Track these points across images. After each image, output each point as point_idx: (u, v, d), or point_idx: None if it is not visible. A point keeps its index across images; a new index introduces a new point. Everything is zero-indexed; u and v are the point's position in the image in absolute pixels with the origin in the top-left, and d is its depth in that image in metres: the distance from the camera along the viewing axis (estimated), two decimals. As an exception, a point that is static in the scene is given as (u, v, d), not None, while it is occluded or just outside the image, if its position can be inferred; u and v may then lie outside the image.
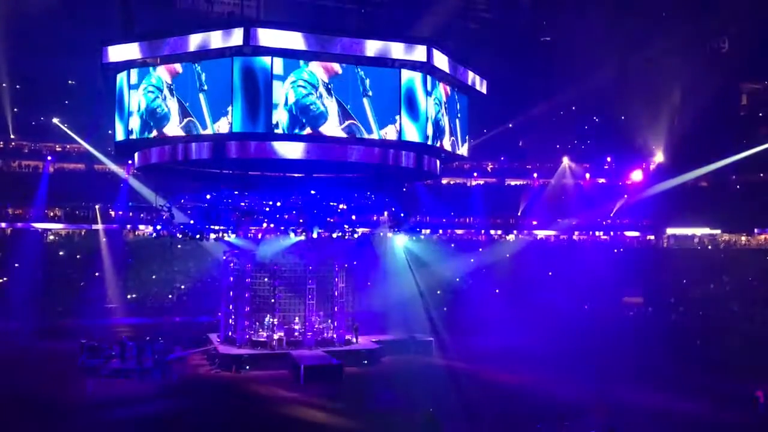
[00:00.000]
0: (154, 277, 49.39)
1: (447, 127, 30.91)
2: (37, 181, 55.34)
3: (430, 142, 29.23)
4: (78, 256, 52.49)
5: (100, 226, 54.86)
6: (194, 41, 26.74)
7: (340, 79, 27.22)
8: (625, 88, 58.12)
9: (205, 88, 26.91)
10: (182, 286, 48.21)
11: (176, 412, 24.77)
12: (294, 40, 26.49)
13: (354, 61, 27.57)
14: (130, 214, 54.82)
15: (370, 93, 27.34)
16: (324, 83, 27.02)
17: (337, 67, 27.22)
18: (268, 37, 26.28)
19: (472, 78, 32.10)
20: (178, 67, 27.59)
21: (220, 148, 28.01)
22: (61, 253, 53.39)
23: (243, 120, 26.58)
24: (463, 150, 33.46)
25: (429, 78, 28.77)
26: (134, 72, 28.85)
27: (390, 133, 27.87)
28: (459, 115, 32.55)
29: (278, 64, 26.75)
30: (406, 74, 27.90)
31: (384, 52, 27.49)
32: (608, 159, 65.33)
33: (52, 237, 55.92)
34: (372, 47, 27.29)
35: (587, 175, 65.43)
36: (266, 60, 26.51)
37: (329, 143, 27.95)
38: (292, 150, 28.00)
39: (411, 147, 29.24)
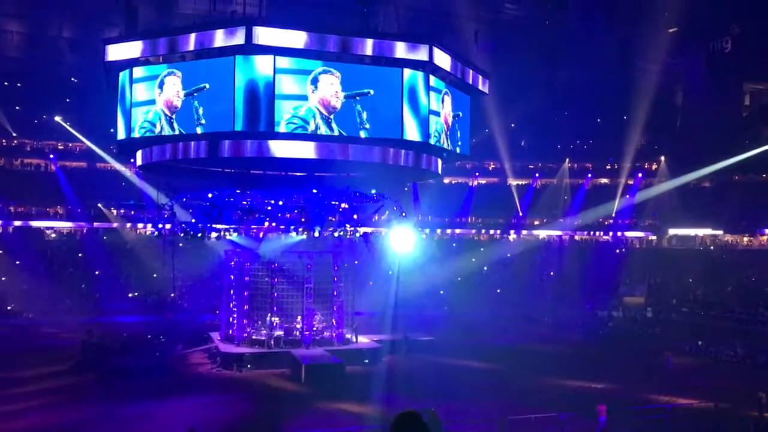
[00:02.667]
0: (155, 275, 49.43)
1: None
2: (40, 179, 55.68)
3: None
4: (80, 254, 52.65)
5: (102, 224, 55.04)
6: (196, 40, 26.71)
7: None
8: (628, 88, 58.03)
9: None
10: (184, 284, 48.22)
11: (178, 411, 24.80)
12: (296, 38, 26.44)
13: (357, 60, 27.57)
14: (132, 212, 54.96)
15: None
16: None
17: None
18: (269, 36, 26.23)
19: (474, 77, 32.01)
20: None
21: (219, 147, 28.03)
22: (63, 250, 53.52)
23: (244, 121, 26.55)
24: (464, 149, 33.39)
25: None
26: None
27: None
28: (459, 115, 32.49)
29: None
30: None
31: (385, 50, 27.46)
32: (610, 159, 65.25)
33: (53, 235, 56.05)
34: (375, 47, 27.26)
35: (589, 175, 65.44)
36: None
37: (330, 142, 27.92)
38: (298, 150, 27.98)
39: (412, 146, 29.22)
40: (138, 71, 28.45)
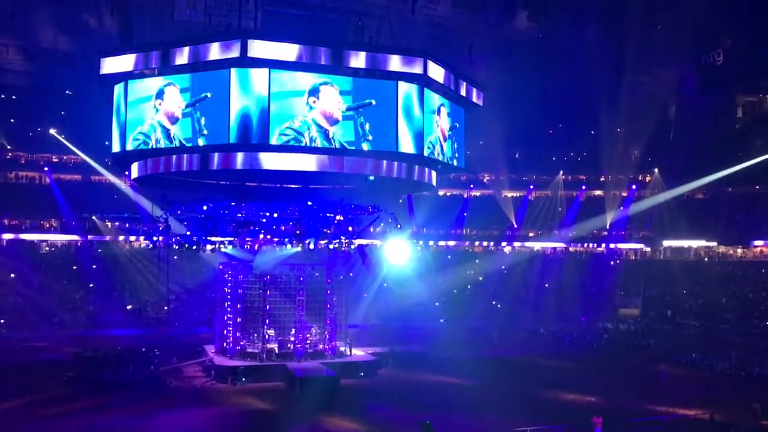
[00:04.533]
0: (150, 288, 49.26)
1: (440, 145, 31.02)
2: (34, 192, 55.53)
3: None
4: (74, 267, 52.43)
5: (96, 237, 54.87)
6: (190, 53, 26.80)
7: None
8: (621, 101, 58.37)
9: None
10: (178, 297, 48.03)
11: (172, 424, 24.65)
12: (289, 51, 26.58)
13: (352, 73, 27.75)
14: (127, 225, 54.82)
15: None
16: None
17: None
18: (263, 48, 26.37)
19: (468, 90, 32.16)
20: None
21: (209, 160, 28.19)
22: (58, 263, 53.30)
23: (237, 134, 26.63)
24: (459, 162, 33.51)
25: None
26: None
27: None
28: (456, 126, 32.63)
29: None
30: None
31: (380, 64, 27.63)
32: (604, 171, 65.46)
33: (47, 248, 55.82)
34: (368, 59, 27.42)
35: (583, 187, 65.61)
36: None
37: (326, 155, 28.00)
38: (289, 162, 28.05)
39: (407, 158, 29.33)
40: (134, 82, 28.56)
